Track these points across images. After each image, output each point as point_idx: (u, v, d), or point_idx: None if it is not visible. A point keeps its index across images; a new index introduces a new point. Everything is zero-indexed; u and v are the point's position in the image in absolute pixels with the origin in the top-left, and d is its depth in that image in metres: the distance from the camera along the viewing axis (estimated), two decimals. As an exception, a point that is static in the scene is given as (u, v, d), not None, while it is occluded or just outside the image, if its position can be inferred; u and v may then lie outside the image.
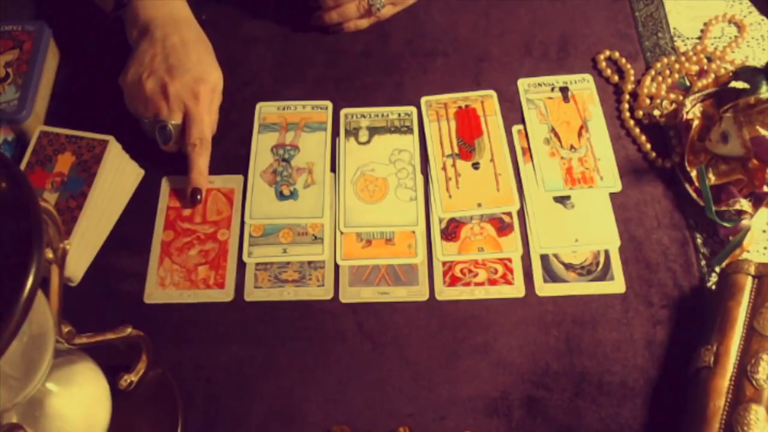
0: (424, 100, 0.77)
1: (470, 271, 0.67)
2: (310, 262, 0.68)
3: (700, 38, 0.80)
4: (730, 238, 0.66)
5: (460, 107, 0.77)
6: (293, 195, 0.71)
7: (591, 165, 0.72)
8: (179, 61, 0.70)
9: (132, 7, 0.73)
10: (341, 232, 0.69)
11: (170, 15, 0.73)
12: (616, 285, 0.66)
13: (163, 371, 0.61)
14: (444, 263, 0.68)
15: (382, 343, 0.64)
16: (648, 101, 0.75)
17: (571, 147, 0.74)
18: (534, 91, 0.77)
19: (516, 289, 0.66)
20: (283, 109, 0.77)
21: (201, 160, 0.70)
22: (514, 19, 0.83)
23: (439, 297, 0.66)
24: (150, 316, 0.65)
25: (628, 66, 0.78)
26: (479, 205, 0.71)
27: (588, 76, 0.78)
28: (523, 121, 0.76)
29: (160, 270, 0.68)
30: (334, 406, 0.61)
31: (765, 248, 0.68)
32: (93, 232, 0.68)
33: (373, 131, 0.75)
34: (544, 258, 0.68)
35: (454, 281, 0.67)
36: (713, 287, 0.66)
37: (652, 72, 0.77)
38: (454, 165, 0.73)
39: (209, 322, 0.65)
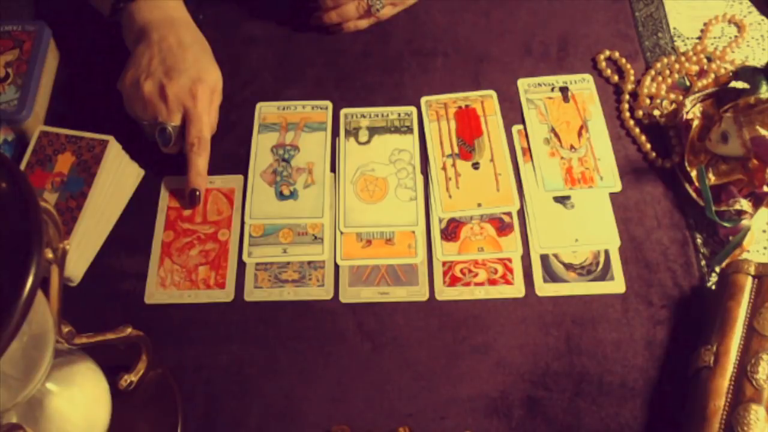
0: (424, 100, 0.77)
1: (470, 271, 0.67)
2: (310, 262, 0.68)
3: (700, 38, 0.80)
4: (730, 238, 0.66)
5: (460, 107, 0.77)
6: (293, 195, 0.71)
7: (591, 165, 0.72)
8: (176, 63, 0.69)
9: (128, 11, 0.73)
10: (341, 232, 0.69)
11: (166, 17, 0.73)
12: (616, 285, 0.66)
13: (163, 371, 0.61)
14: (444, 263, 0.68)
15: (382, 343, 0.64)
16: (648, 101, 0.75)
17: (571, 147, 0.74)
18: (534, 91, 0.77)
19: (516, 289, 0.66)
20: (283, 109, 0.77)
21: (199, 160, 0.70)
22: (514, 19, 0.83)
23: (439, 297, 0.66)
24: (150, 316, 0.65)
25: (628, 66, 0.78)
26: (479, 205, 0.71)
27: (588, 76, 0.78)
28: (523, 121, 0.76)
29: (161, 270, 0.68)
30: (334, 406, 0.61)
31: (765, 248, 0.68)
32: (93, 232, 0.68)
33: (373, 131, 0.75)
34: (544, 258, 0.68)
35: (454, 281, 0.67)
36: (713, 287, 0.66)
37: (652, 72, 0.77)
38: (454, 165, 0.73)
39: (209, 322, 0.65)
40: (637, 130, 0.74)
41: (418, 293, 0.66)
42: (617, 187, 0.71)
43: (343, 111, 0.77)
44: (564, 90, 0.77)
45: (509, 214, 0.70)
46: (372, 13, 0.80)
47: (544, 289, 0.66)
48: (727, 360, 0.58)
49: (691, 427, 0.57)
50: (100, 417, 0.54)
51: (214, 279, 0.67)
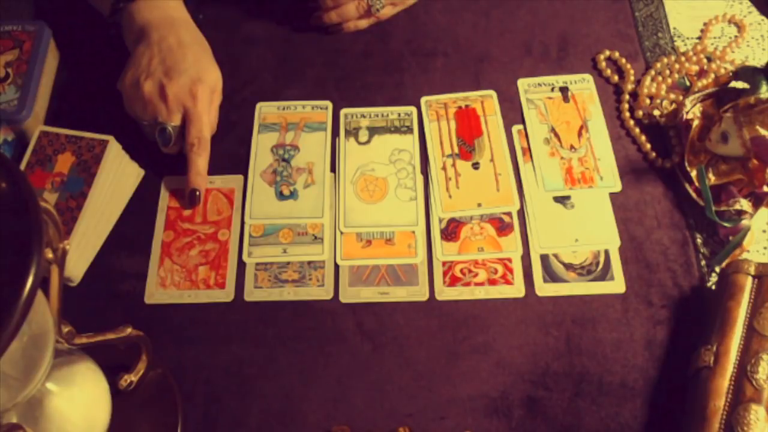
0: (424, 100, 0.77)
1: (470, 271, 0.67)
2: (310, 262, 0.68)
3: (700, 38, 0.80)
4: (730, 238, 0.66)
5: (460, 107, 0.77)
6: (293, 195, 0.71)
7: (591, 165, 0.72)
8: (176, 63, 0.69)
9: (128, 11, 0.73)
10: (341, 232, 0.69)
11: (166, 17, 0.73)
12: (616, 285, 0.66)
13: (163, 371, 0.61)
14: (444, 263, 0.68)
15: (382, 343, 0.64)
16: (648, 101, 0.75)
17: (571, 147, 0.74)
18: (534, 91, 0.77)
19: (516, 289, 0.66)
20: (283, 109, 0.77)
21: (200, 160, 0.70)
22: (514, 19, 0.83)
23: (439, 297, 0.66)
24: (150, 316, 0.65)
25: (628, 66, 0.78)
26: (479, 205, 0.71)
27: (588, 76, 0.78)
28: (523, 121, 0.76)
29: (161, 270, 0.68)
30: (334, 406, 0.61)
31: (765, 248, 0.68)
32: (93, 232, 0.68)
33: (373, 131, 0.75)
34: (544, 258, 0.68)
35: (454, 281, 0.67)
36: (713, 287, 0.66)
37: (652, 72, 0.77)
38: (454, 165, 0.73)
39: (209, 322, 0.65)
40: (637, 130, 0.74)
41: (418, 293, 0.66)
42: (617, 187, 0.71)
43: (343, 111, 0.77)
44: (564, 90, 0.77)
45: (509, 214, 0.70)
46: (372, 13, 0.80)
47: (544, 289, 0.66)
48: (727, 360, 0.58)
49: (691, 427, 0.57)
50: (100, 417, 0.54)
51: (214, 279, 0.67)
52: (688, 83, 0.77)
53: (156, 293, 0.67)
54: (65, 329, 0.50)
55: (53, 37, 0.78)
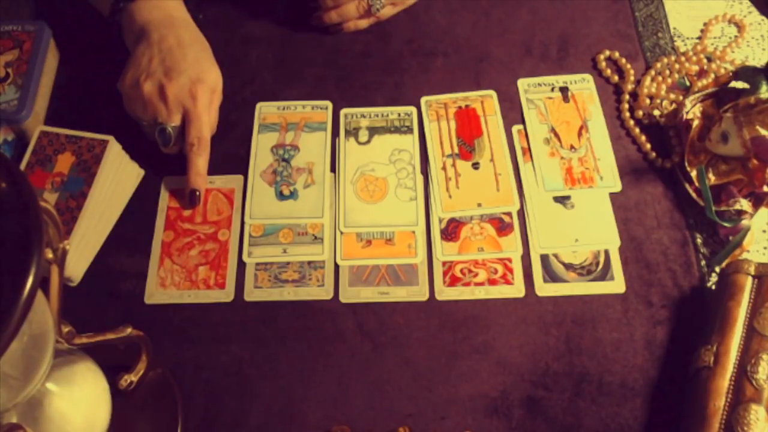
0: (424, 100, 0.77)
1: (470, 271, 0.67)
2: (310, 262, 0.68)
3: (700, 38, 0.80)
4: (730, 238, 0.66)
5: (460, 107, 0.77)
6: (293, 195, 0.71)
7: (591, 165, 0.72)
8: (176, 63, 0.69)
9: (128, 11, 0.73)
10: (341, 232, 0.69)
11: (166, 17, 0.73)
12: (616, 285, 0.66)
13: (163, 371, 0.61)
14: (444, 263, 0.68)
15: (382, 343, 0.64)
16: (648, 101, 0.75)
17: (571, 147, 0.74)
18: (534, 91, 0.77)
19: (516, 289, 0.66)
20: (283, 109, 0.77)
21: (199, 160, 0.70)
22: (514, 19, 0.83)
23: (439, 297, 0.66)
24: (150, 316, 0.65)
25: (628, 66, 0.78)
26: (479, 205, 0.71)
27: (588, 76, 0.78)
28: (523, 121, 0.76)
29: (161, 270, 0.68)
30: (334, 406, 0.61)
31: (765, 248, 0.68)
32: (93, 232, 0.68)
33: (373, 131, 0.75)
34: (544, 258, 0.68)
35: (454, 281, 0.67)
36: (713, 287, 0.66)
37: (652, 72, 0.77)
38: (454, 165, 0.73)
39: (209, 322, 0.65)
40: (637, 130, 0.74)
41: (418, 293, 0.66)
42: (617, 187, 0.71)
43: (343, 111, 0.77)
44: (564, 90, 0.77)
45: (509, 214, 0.70)
46: (372, 13, 0.80)
47: (544, 289, 0.66)
48: (727, 360, 0.58)
49: (691, 427, 0.57)
50: (100, 417, 0.54)
51: (214, 279, 0.67)
52: (688, 83, 0.77)
53: (156, 293, 0.67)
54: (65, 329, 0.50)
55: (53, 37, 0.78)
